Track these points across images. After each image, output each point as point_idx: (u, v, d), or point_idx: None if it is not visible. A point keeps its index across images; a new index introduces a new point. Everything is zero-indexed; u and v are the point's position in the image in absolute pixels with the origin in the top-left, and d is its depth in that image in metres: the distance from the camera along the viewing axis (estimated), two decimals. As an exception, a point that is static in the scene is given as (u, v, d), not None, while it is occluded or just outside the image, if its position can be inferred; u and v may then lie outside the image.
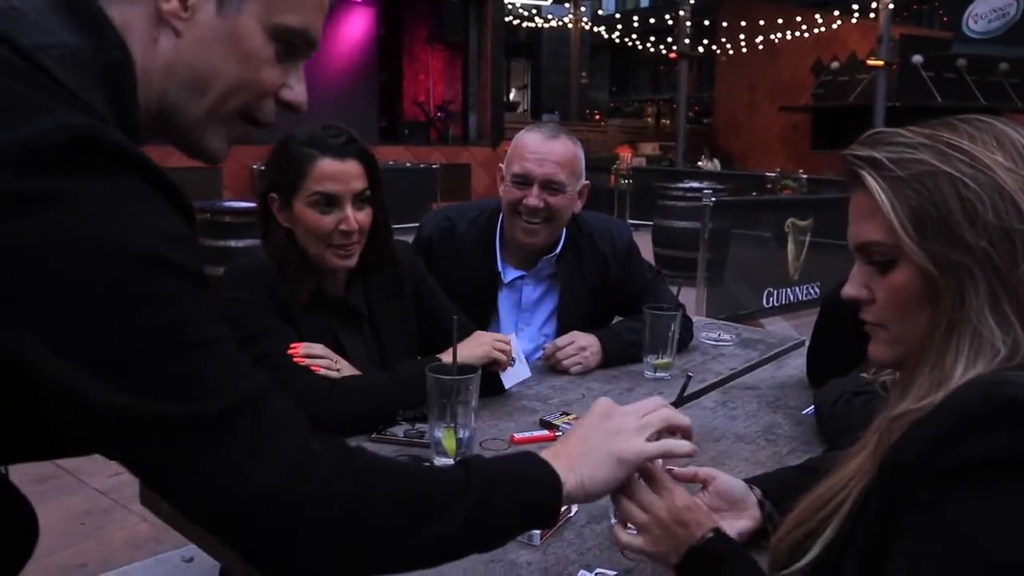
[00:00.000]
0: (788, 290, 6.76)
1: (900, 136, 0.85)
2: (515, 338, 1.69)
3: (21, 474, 2.82)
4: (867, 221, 0.86)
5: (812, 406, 1.66)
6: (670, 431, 0.97)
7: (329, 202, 1.55)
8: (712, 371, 1.96)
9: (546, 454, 0.90)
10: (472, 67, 14.19)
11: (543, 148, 1.91)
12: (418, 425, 1.44)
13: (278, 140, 1.61)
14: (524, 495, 0.83)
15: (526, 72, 28.34)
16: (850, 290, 0.90)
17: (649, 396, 1.71)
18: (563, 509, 1.11)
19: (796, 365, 2.03)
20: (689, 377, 1.20)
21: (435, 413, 1.31)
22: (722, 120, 22.81)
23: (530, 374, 1.72)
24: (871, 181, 0.84)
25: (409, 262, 1.76)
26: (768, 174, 12.20)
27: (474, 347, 1.57)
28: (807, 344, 2.21)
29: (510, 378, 1.66)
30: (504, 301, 2.00)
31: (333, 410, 1.43)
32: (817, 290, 6.92)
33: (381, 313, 1.69)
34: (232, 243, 4.52)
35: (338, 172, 1.54)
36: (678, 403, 1.13)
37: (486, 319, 1.99)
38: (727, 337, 2.24)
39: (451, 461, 1.30)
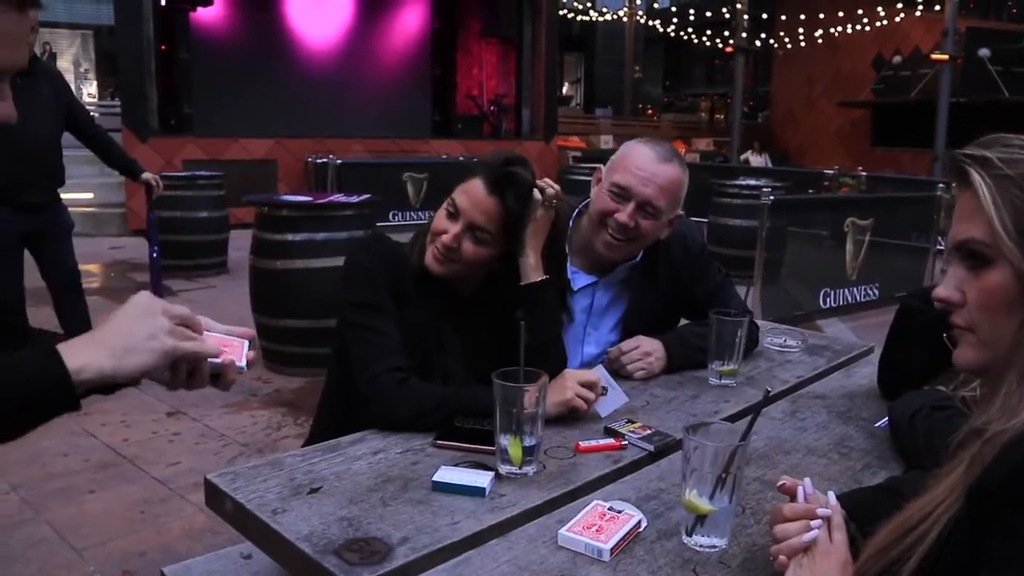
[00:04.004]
0: (846, 290, 6.60)
1: (1018, 139, 0.83)
2: (602, 368, 1.63)
3: (81, 460, 2.90)
4: (969, 219, 0.85)
5: (885, 419, 1.60)
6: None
7: (455, 211, 1.61)
8: (779, 378, 1.91)
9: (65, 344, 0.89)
10: (526, 61, 14.14)
11: (652, 168, 1.85)
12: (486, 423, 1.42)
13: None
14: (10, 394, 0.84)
15: (579, 66, 28.20)
16: (942, 292, 0.89)
17: (714, 403, 1.70)
18: (633, 524, 1.09)
19: (865, 374, 1.97)
20: (768, 393, 1.16)
21: (501, 420, 1.29)
22: (779, 115, 22.38)
23: (627, 399, 1.61)
24: (977, 178, 0.84)
25: None
26: (826, 171, 11.92)
27: (556, 393, 1.51)
28: (878, 351, 2.17)
29: (606, 406, 1.59)
30: (575, 307, 1.97)
31: (396, 403, 1.46)
32: (876, 291, 6.75)
33: (483, 317, 1.71)
34: (289, 237, 4.56)
35: (475, 194, 1.61)
36: (753, 422, 1.09)
37: None
38: (793, 343, 2.18)
39: (516, 470, 1.29)
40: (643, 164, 1.85)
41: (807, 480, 1.06)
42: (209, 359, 0.98)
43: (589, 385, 1.54)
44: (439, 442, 1.40)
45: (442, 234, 1.61)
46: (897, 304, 1.78)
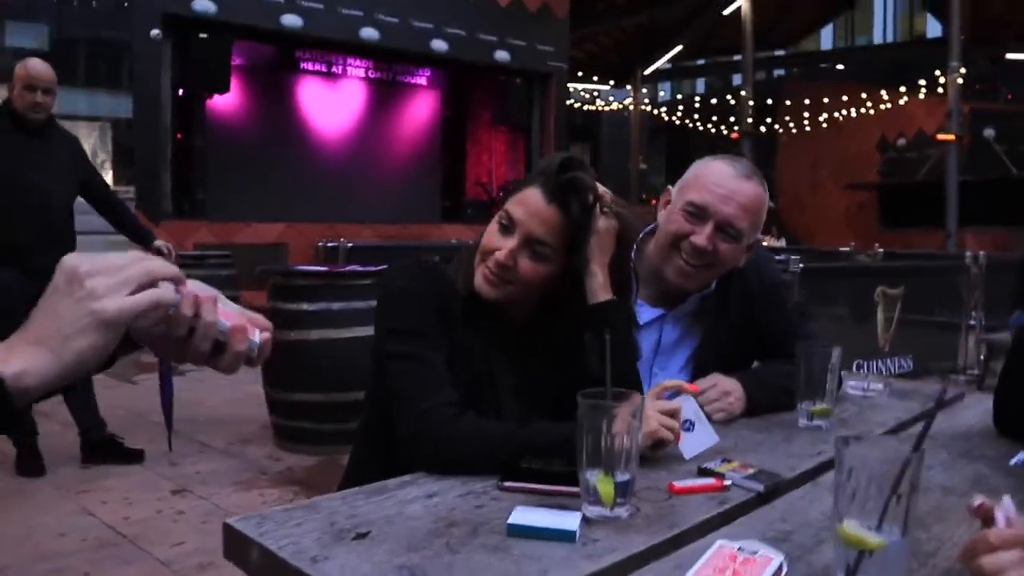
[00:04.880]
0: (879, 361, 6.33)
1: None
2: (691, 400, 1.39)
3: (78, 540, 2.59)
4: None
5: (1021, 454, 1.37)
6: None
7: (509, 225, 1.40)
8: (873, 421, 1.67)
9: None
10: (535, 149, 14.25)
11: (732, 184, 1.64)
12: (557, 463, 1.18)
13: None
14: None
15: (586, 154, 28.56)
16: None
17: (813, 446, 1.45)
18: (774, 568, 0.85)
19: (969, 416, 1.73)
20: (943, 393, 0.92)
21: (588, 451, 1.05)
22: (785, 199, 22.46)
23: (717, 439, 1.37)
24: None
25: None
26: (842, 249, 11.78)
27: None
28: (971, 397, 1.94)
29: (691, 446, 1.34)
30: (642, 343, 1.74)
31: (450, 442, 1.23)
32: (911, 363, 6.49)
33: (541, 349, 1.49)
34: (304, 306, 4.36)
35: (533, 203, 1.39)
36: (927, 428, 0.86)
37: None
38: (876, 387, 1.94)
39: (608, 512, 1.05)
40: (722, 181, 1.64)
41: (1007, 498, 0.83)
42: (215, 323, 0.77)
43: (671, 415, 1.31)
44: (507, 484, 1.16)
45: (495, 251, 1.40)
46: (932, 376, 1.56)
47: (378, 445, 1.45)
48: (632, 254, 1.73)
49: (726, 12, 18.34)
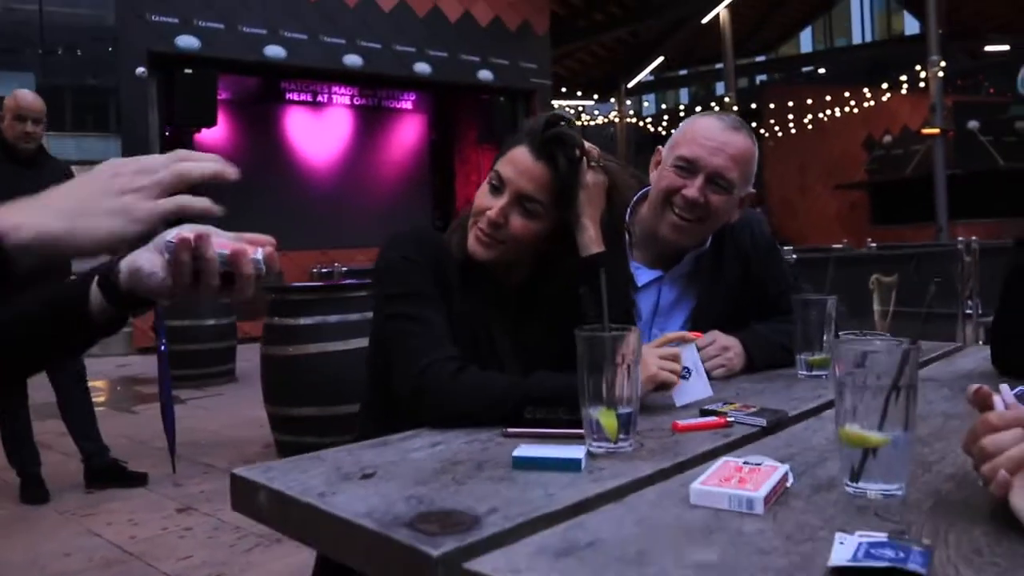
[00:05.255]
0: (879, 349, 6.32)
1: None
2: (692, 348, 1.39)
3: (84, 560, 2.58)
4: None
5: (1020, 387, 1.37)
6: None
7: (499, 184, 1.41)
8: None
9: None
10: (522, 165, 14.30)
11: (721, 136, 1.65)
12: (561, 411, 1.18)
13: None
14: None
15: (573, 170, 28.59)
16: None
17: (814, 391, 1.46)
18: (780, 476, 0.85)
19: (967, 362, 1.75)
20: (937, 282, 0.92)
21: (589, 387, 1.06)
22: (774, 204, 22.54)
23: (711, 393, 1.38)
24: None
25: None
26: (835, 246, 11.83)
27: None
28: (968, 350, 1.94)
29: (684, 394, 1.34)
30: (640, 306, 1.74)
31: (454, 394, 1.23)
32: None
33: (538, 310, 1.49)
34: (301, 320, 4.37)
35: (521, 164, 1.40)
36: (898, 378, 0.86)
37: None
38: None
39: (612, 445, 1.05)
40: (710, 134, 1.66)
41: (1004, 386, 0.84)
42: (215, 258, 0.78)
43: (672, 359, 1.31)
44: (511, 430, 1.16)
45: (486, 211, 1.41)
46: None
47: (380, 421, 1.45)
48: (626, 212, 1.74)
49: (705, 21, 18.48)
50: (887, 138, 18.66)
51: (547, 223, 1.43)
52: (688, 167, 1.66)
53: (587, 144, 1.45)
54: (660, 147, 1.76)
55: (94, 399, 4.33)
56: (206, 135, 11.42)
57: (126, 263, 0.89)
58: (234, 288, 0.82)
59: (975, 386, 0.85)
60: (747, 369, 1.64)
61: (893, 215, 17.78)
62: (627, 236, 1.75)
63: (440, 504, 0.86)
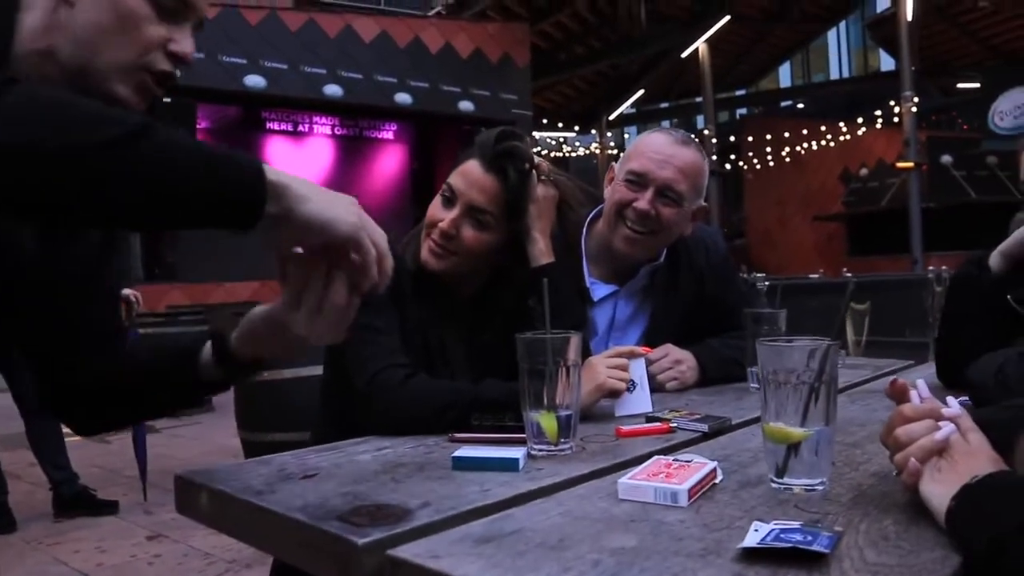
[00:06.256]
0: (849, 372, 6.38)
1: None
2: (640, 363, 1.41)
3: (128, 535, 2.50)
4: None
5: (959, 398, 1.40)
6: None
7: (451, 196, 1.45)
8: (826, 386, 1.71)
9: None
10: (503, 195, 14.40)
11: (669, 150, 1.69)
12: (508, 418, 1.20)
13: None
14: (212, 155, 0.77)
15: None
16: None
17: (756, 405, 1.48)
18: (707, 471, 0.87)
19: (915, 375, 1.77)
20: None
21: (530, 390, 1.08)
22: (755, 236, 22.75)
23: (651, 408, 1.37)
24: None
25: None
26: (811, 276, 11.95)
27: (587, 380, 1.30)
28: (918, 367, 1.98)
29: (626, 406, 1.36)
30: (596, 321, 1.77)
31: (401, 401, 1.24)
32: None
33: (489, 322, 1.52)
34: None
35: (472, 176, 1.44)
36: (844, 316, 0.89)
37: None
38: (831, 361, 1.98)
39: (552, 447, 1.07)
40: (659, 148, 1.70)
41: (920, 381, 0.87)
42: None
43: (620, 368, 1.34)
44: (458, 436, 1.18)
45: (438, 223, 1.44)
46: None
47: (333, 429, 1.46)
48: (582, 226, 1.78)
49: (684, 55, 18.78)
50: (863, 171, 18.89)
51: (498, 235, 1.46)
52: (638, 180, 1.70)
53: (537, 159, 1.49)
54: (614, 164, 1.80)
55: (64, 428, 4.29)
56: (186, 164, 11.42)
57: (240, 325, 1.01)
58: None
59: (892, 379, 0.88)
60: (700, 383, 1.66)
61: (869, 246, 17.97)
62: (582, 251, 1.78)
63: (375, 500, 0.87)
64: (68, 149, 0.71)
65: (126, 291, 4.52)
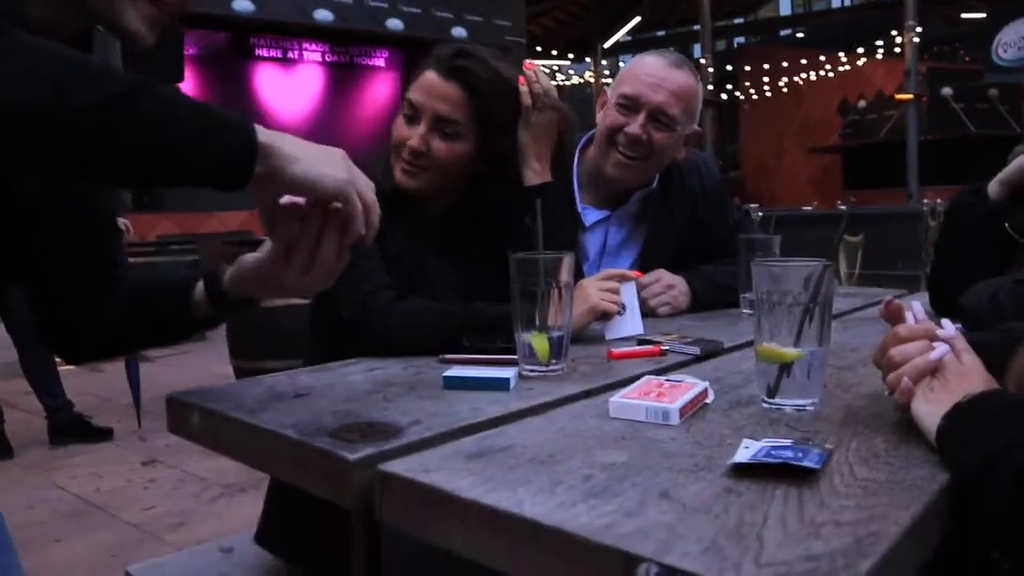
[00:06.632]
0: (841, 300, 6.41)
1: None
2: (631, 286, 1.40)
3: (48, 511, 2.58)
4: None
5: (953, 325, 1.40)
6: None
7: (413, 113, 1.40)
8: (818, 312, 1.71)
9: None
10: (496, 124, 14.23)
11: (662, 74, 1.65)
12: (499, 340, 1.20)
13: None
14: (205, 115, 0.77)
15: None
16: None
17: (749, 329, 1.48)
18: (699, 391, 0.87)
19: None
20: (852, 202, 0.94)
21: (521, 310, 1.07)
22: (750, 167, 22.63)
23: (642, 331, 1.37)
24: None
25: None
26: (805, 208, 11.92)
27: (579, 302, 1.29)
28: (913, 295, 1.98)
29: (616, 329, 1.36)
30: (588, 246, 1.75)
31: (391, 323, 1.23)
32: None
33: (476, 242, 1.48)
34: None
35: (432, 87, 1.38)
36: (839, 243, 0.88)
37: None
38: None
39: (543, 367, 1.07)
40: (652, 71, 1.66)
41: (916, 303, 0.86)
42: None
43: (612, 291, 1.33)
44: (448, 356, 1.17)
45: (406, 141, 1.39)
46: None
47: (324, 354, 1.45)
48: (575, 151, 1.75)
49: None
50: (862, 103, 18.70)
51: (471, 144, 1.41)
52: (630, 104, 1.66)
53: (535, 73, 1.45)
54: (606, 88, 1.76)
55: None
56: (174, 90, 11.23)
57: (232, 267, 1.01)
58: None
59: (887, 298, 0.88)
60: (692, 308, 1.66)
61: (865, 179, 17.90)
62: (574, 177, 1.75)
63: (366, 417, 0.87)
64: (67, 108, 0.70)
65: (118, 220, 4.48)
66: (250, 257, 0.99)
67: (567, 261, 1.08)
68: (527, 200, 1.39)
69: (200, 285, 1.04)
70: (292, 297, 1.01)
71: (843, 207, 11.82)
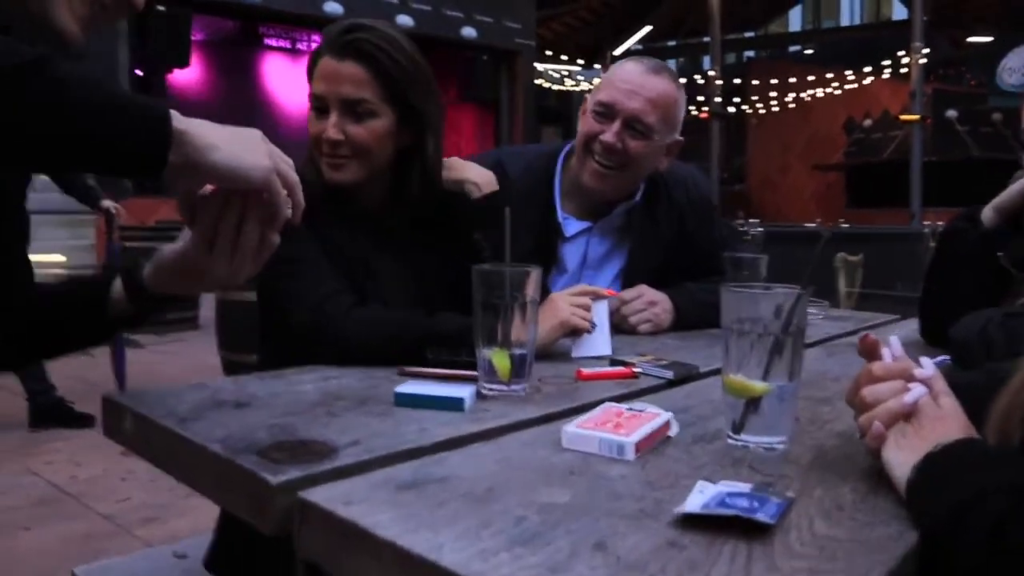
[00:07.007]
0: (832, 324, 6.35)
1: None
2: (604, 305, 1.33)
3: (21, 497, 2.52)
4: None
5: (941, 357, 1.35)
6: None
7: (321, 104, 1.33)
8: (806, 335, 1.65)
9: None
10: (503, 126, 14.18)
11: (639, 80, 1.59)
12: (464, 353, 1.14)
13: None
14: (114, 96, 0.73)
15: (557, 135, 28.43)
16: None
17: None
18: (661, 423, 0.82)
19: (901, 334, 1.72)
20: (825, 238, 0.88)
21: (482, 326, 1.02)
22: (755, 181, 22.55)
23: (610, 351, 1.31)
24: None
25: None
26: (807, 225, 11.85)
27: (548, 316, 1.24)
28: (905, 322, 1.93)
29: (583, 348, 1.30)
30: (567, 257, 1.70)
31: (349, 329, 1.17)
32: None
33: (425, 243, 1.41)
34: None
35: (331, 73, 1.31)
36: (814, 266, 0.83)
37: (545, 279, 1.69)
38: (813, 311, 1.93)
39: (504, 387, 1.01)
40: (628, 77, 1.60)
41: (894, 338, 0.80)
42: None
43: (583, 307, 1.27)
44: (408, 369, 1.12)
45: (321, 135, 1.32)
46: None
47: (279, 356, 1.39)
48: (558, 165, 1.70)
49: (694, -8, 18.31)
50: (867, 121, 18.63)
51: (388, 118, 1.34)
52: (605, 112, 1.61)
53: (470, 181, 1.40)
54: (587, 95, 1.71)
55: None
56: (179, 76, 11.19)
57: (152, 259, 0.95)
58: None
59: (864, 334, 0.82)
60: (675, 326, 1.61)
61: (868, 198, 17.82)
62: (556, 185, 1.70)
63: (302, 435, 0.82)
64: None
65: (107, 202, 4.43)
66: (168, 248, 0.93)
67: (534, 275, 1.02)
68: (480, 212, 1.33)
69: (118, 282, 0.98)
70: (217, 289, 0.96)
71: (845, 225, 11.78)
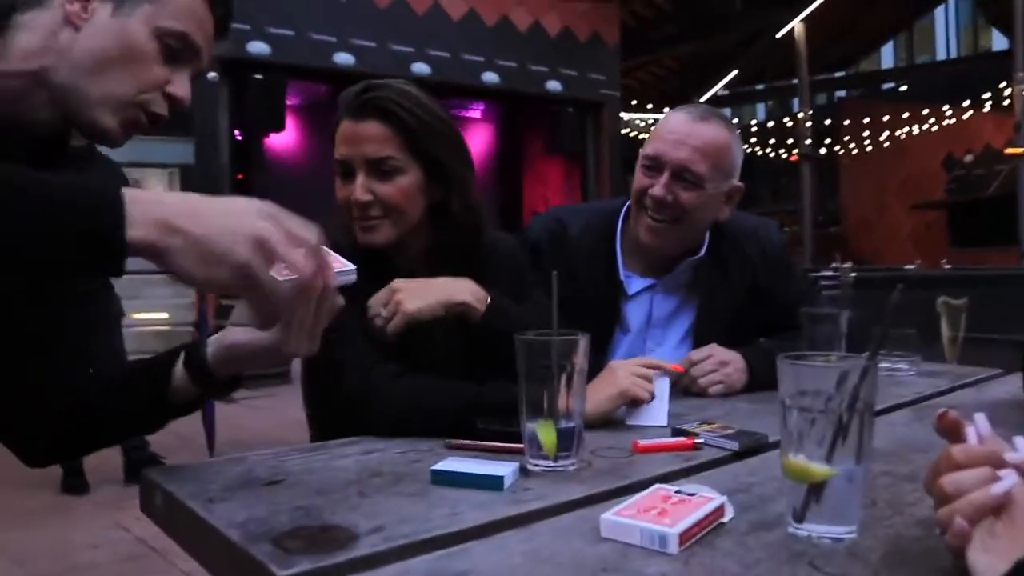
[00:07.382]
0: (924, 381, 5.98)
1: None
2: (665, 381, 1.27)
3: (109, 553, 2.57)
4: None
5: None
6: None
7: (346, 170, 1.31)
8: (893, 394, 1.52)
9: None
10: (591, 177, 14.20)
11: (685, 129, 1.54)
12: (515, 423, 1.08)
13: None
14: (54, 192, 0.68)
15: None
16: None
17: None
18: (712, 508, 0.74)
19: (1005, 390, 1.58)
20: (900, 287, 0.79)
21: (527, 397, 0.96)
22: (852, 223, 21.87)
23: (667, 422, 1.23)
24: None
25: (507, 254, 1.45)
26: (906, 267, 11.35)
27: (607, 385, 1.19)
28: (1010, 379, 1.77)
29: (639, 416, 1.23)
30: (631, 316, 1.63)
31: (395, 398, 1.13)
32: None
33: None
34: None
35: (351, 135, 1.29)
36: (883, 334, 0.74)
37: (608, 338, 1.62)
38: (904, 366, 1.79)
39: (550, 463, 0.95)
40: (675, 127, 1.54)
41: (980, 416, 0.70)
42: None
43: (645, 378, 1.20)
44: (455, 441, 1.07)
45: (351, 199, 1.29)
46: None
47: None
48: (619, 223, 1.64)
49: (779, 35, 18.07)
50: (968, 157, 17.89)
51: (415, 174, 1.30)
52: (653, 165, 1.55)
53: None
54: (641, 150, 1.66)
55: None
56: (276, 140, 11.67)
57: (215, 340, 0.93)
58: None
59: (942, 410, 0.72)
60: (749, 387, 1.51)
61: (973, 237, 17.02)
62: (617, 243, 1.64)
63: (327, 518, 0.77)
64: None
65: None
66: (233, 330, 0.91)
67: (582, 343, 0.96)
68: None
69: (179, 367, 0.96)
70: (273, 367, 0.93)
71: (948, 266, 11.22)
